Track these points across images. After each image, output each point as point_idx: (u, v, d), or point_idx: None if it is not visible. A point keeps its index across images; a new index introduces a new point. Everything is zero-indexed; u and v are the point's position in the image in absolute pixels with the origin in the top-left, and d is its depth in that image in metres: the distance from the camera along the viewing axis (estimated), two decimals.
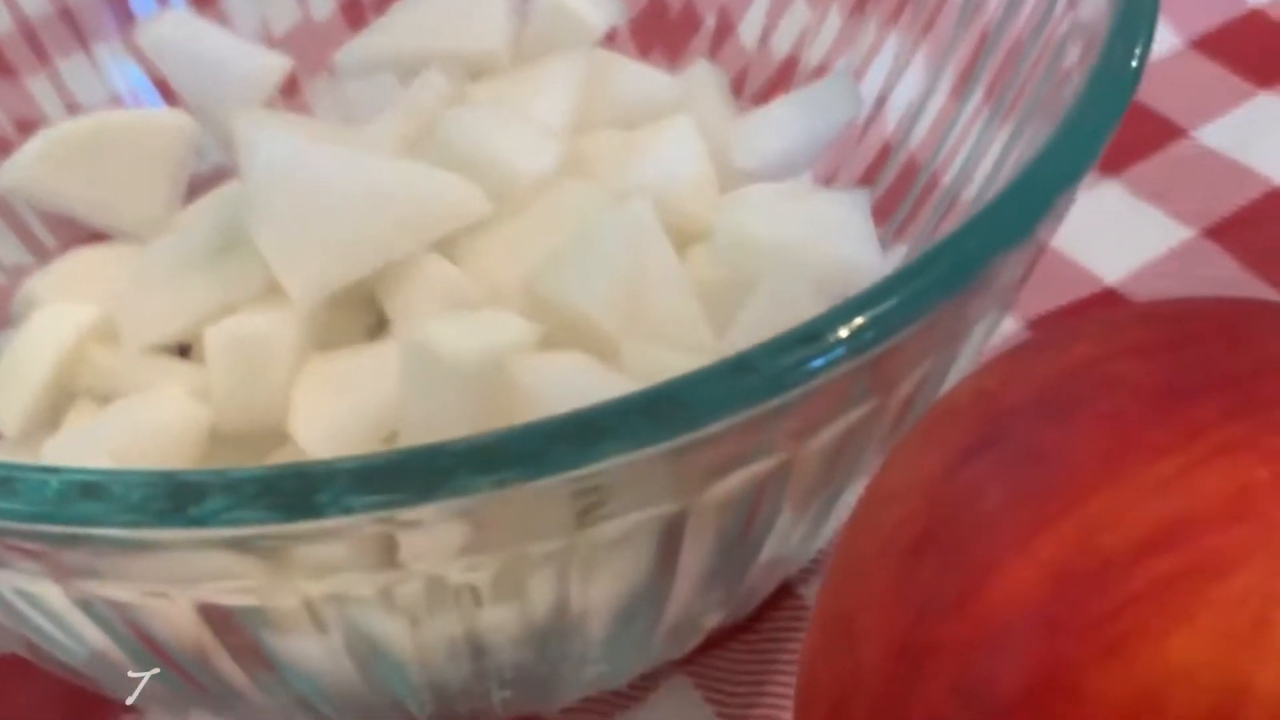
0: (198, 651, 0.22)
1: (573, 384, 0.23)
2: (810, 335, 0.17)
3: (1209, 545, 0.15)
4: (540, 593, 0.20)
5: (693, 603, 0.21)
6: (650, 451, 0.16)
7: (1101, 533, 0.16)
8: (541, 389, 0.23)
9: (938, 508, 0.18)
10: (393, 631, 0.22)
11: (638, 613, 0.21)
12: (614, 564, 0.20)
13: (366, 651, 0.22)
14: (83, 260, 0.29)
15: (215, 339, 0.26)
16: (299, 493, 0.16)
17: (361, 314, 0.28)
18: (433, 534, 0.17)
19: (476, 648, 0.21)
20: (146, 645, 0.22)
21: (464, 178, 0.27)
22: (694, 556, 0.20)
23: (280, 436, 0.26)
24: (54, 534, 0.17)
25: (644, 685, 0.26)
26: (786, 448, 0.18)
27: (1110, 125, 0.19)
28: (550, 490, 0.17)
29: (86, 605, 0.19)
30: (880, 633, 0.17)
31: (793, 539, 0.22)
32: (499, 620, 0.21)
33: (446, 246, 0.27)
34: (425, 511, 0.16)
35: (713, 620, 0.23)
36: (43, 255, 0.31)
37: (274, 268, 0.26)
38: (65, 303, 0.28)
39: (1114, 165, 0.35)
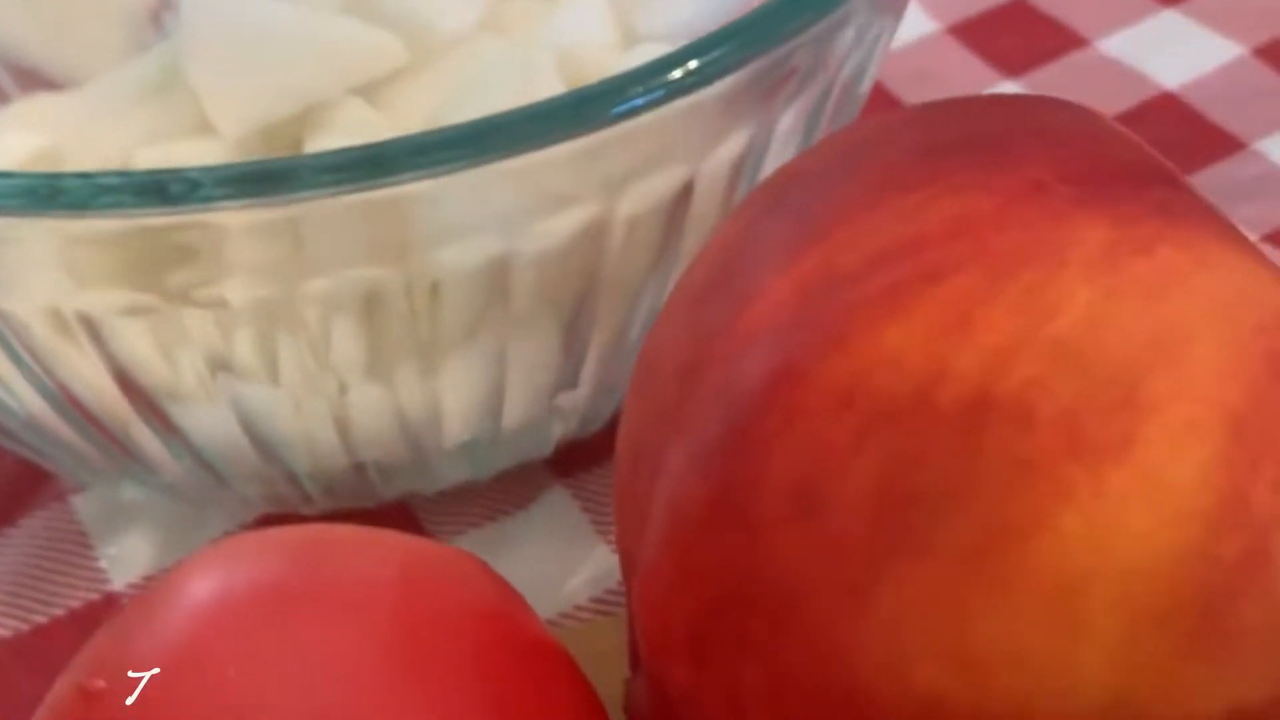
0: (116, 417, 0.25)
1: None
2: (632, 80, 0.19)
3: (928, 258, 0.17)
4: (402, 375, 0.23)
5: (538, 377, 0.24)
6: (482, 170, 0.19)
7: (844, 254, 0.18)
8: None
9: (726, 257, 0.20)
10: (271, 403, 0.24)
11: (485, 376, 0.23)
12: (455, 326, 0.22)
13: (250, 419, 0.24)
14: (36, 102, 0.32)
15: (146, 163, 0.29)
16: (159, 183, 0.19)
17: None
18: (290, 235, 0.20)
19: (344, 426, 0.24)
20: (72, 404, 0.24)
21: (387, 30, 0.30)
22: (525, 304, 0.22)
23: None
24: None
25: (526, 495, 0.29)
26: (606, 196, 0.21)
27: None
28: (387, 204, 0.19)
29: None
30: (669, 363, 0.20)
31: (630, 333, 0.24)
32: (366, 397, 0.24)
33: (367, 92, 0.30)
34: (274, 212, 0.19)
35: (567, 404, 0.25)
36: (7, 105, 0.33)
37: (205, 103, 0.29)
38: (14, 133, 0.30)
39: (1016, 68, 0.37)
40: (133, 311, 0.21)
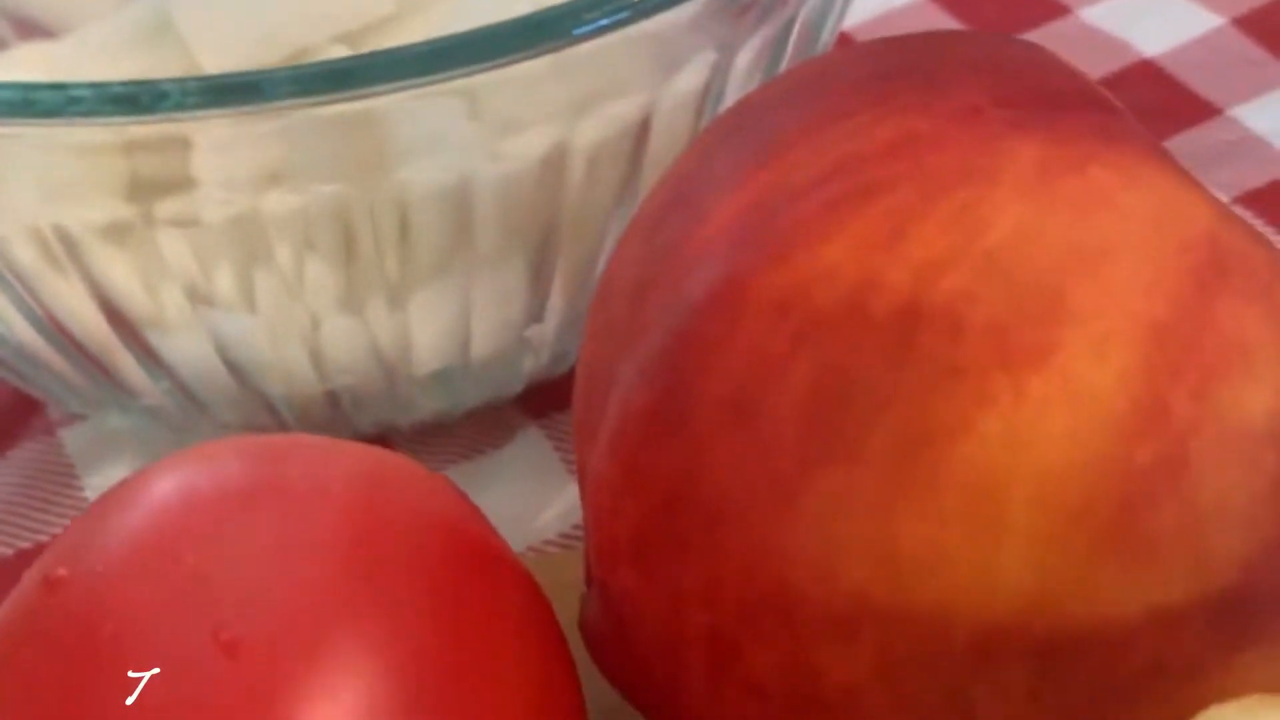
0: (100, 344, 0.26)
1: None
2: (594, 2, 0.20)
3: (866, 177, 0.18)
4: (373, 308, 0.24)
5: (505, 310, 0.24)
6: (443, 87, 0.20)
7: (790, 175, 0.19)
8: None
9: (681, 183, 0.20)
10: (247, 331, 0.25)
11: (453, 309, 0.24)
12: (424, 263, 0.23)
13: (227, 346, 0.25)
14: (33, 49, 0.32)
15: None
16: (129, 94, 0.19)
17: None
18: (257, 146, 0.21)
19: (318, 355, 0.25)
20: (59, 331, 0.25)
21: None
22: (490, 236, 0.23)
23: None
24: None
25: (501, 435, 0.29)
26: (566, 121, 0.21)
27: None
28: (351, 119, 0.20)
29: None
30: (624, 285, 0.20)
31: (595, 269, 0.25)
32: (338, 327, 0.25)
33: (353, 40, 0.30)
34: (240, 124, 0.20)
35: (535, 337, 0.26)
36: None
37: (193, 50, 0.29)
38: (9, 75, 0.31)
39: None
40: (112, 230, 0.22)
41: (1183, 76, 0.36)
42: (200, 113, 0.20)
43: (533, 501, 0.28)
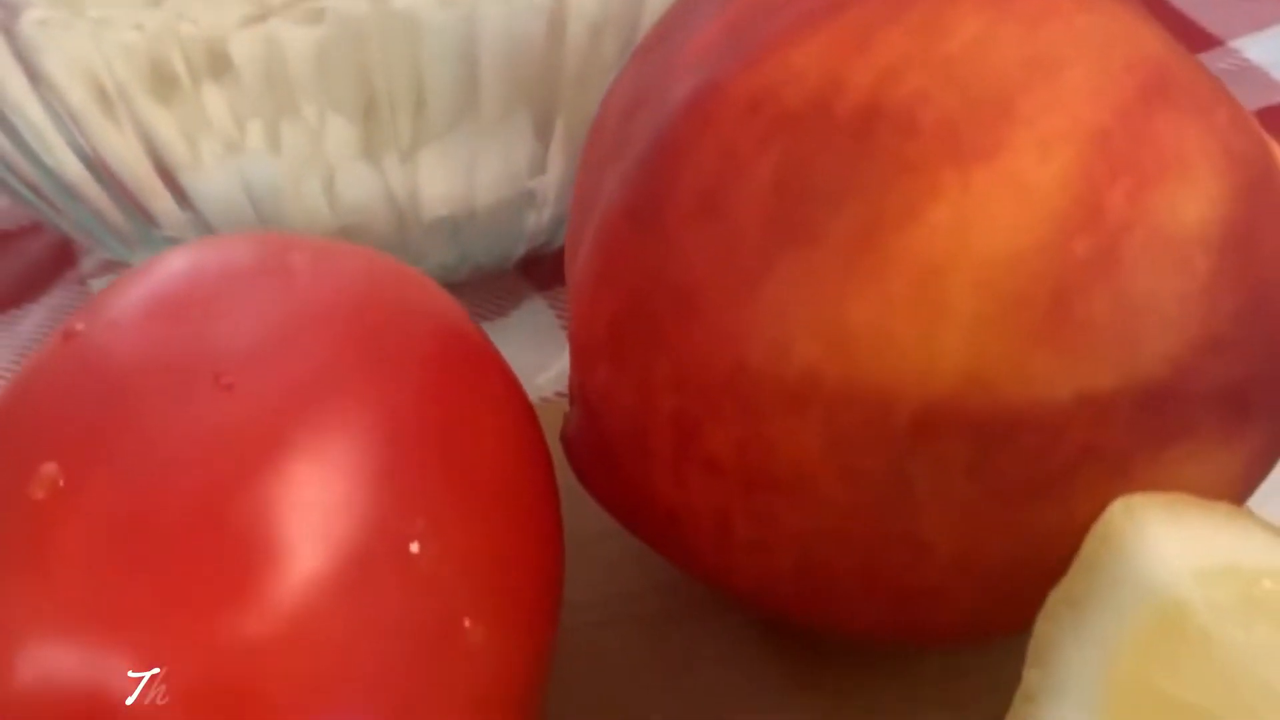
0: (140, 183, 0.27)
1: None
2: None
3: None
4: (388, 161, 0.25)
5: (510, 163, 0.26)
6: None
7: None
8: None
9: (673, 24, 0.22)
10: (272, 173, 0.26)
11: (461, 160, 0.25)
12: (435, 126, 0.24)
13: (253, 186, 0.26)
14: None
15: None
16: None
17: None
18: None
19: (333, 194, 0.26)
20: (104, 171, 0.27)
21: None
22: (496, 95, 0.24)
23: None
24: None
25: (507, 303, 0.31)
26: None
27: None
28: None
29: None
30: (615, 111, 0.22)
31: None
32: (354, 172, 0.26)
33: None
34: None
35: (538, 189, 0.27)
36: None
37: None
38: None
39: None
40: (160, 87, 0.24)
41: (1187, 10, 0.37)
42: None
43: (534, 362, 0.30)
